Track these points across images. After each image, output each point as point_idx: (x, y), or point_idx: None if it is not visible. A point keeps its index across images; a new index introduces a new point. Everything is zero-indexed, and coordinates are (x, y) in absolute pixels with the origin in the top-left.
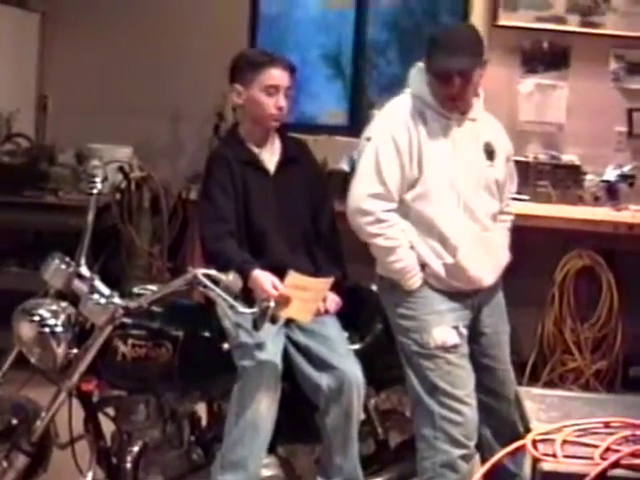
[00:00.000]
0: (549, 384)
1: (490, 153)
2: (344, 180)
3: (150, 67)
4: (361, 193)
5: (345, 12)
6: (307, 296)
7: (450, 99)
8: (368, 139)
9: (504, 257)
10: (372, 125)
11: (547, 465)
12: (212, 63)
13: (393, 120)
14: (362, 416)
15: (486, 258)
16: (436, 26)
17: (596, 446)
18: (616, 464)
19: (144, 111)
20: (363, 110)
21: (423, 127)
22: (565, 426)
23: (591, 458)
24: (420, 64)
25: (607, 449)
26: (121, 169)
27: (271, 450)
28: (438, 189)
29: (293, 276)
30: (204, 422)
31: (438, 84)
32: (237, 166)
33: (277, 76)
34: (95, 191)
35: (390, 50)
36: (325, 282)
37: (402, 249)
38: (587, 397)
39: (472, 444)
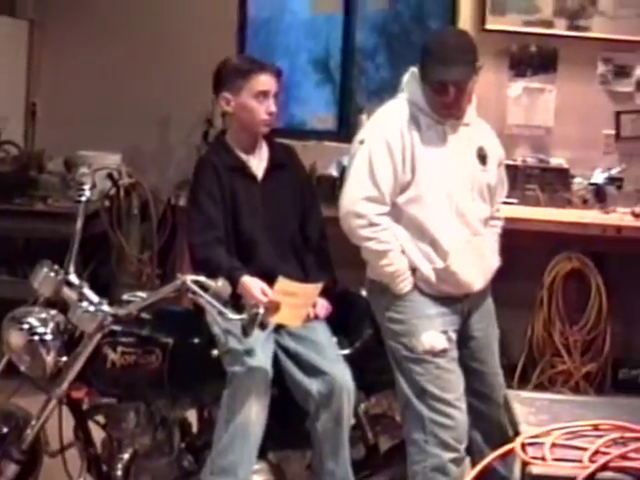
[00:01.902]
0: (539, 387)
1: (483, 158)
2: (333, 185)
3: (138, 73)
4: (354, 196)
5: (333, 17)
6: (296, 302)
7: (445, 108)
8: (361, 142)
9: (494, 262)
10: (365, 128)
11: (536, 468)
12: (201, 69)
13: (387, 124)
14: (352, 421)
15: (476, 263)
16: (428, 33)
17: (585, 449)
18: (605, 467)
19: (133, 118)
20: (352, 115)
21: (417, 132)
22: (554, 429)
23: (580, 461)
24: (414, 69)
25: (596, 452)
26: (110, 176)
27: (262, 456)
28: (431, 193)
29: (282, 282)
30: (195, 429)
31: (433, 94)
32: (225, 173)
33: (266, 82)
34: (83, 199)
35: (378, 55)
36: (314, 287)
37: (394, 253)
38: (576, 400)
39: (462, 447)
